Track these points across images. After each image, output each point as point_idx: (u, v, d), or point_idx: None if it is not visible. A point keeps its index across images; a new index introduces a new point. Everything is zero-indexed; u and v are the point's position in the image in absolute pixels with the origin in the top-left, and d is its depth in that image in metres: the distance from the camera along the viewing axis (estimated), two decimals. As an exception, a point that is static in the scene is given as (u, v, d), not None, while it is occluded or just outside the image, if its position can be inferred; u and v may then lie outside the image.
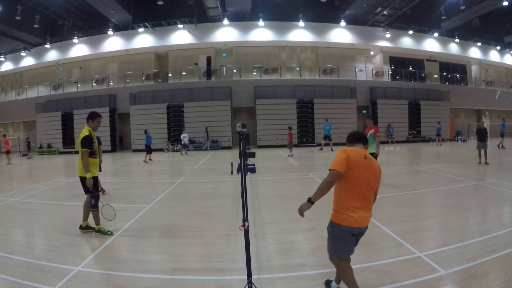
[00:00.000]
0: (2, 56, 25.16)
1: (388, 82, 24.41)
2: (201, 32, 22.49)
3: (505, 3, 19.75)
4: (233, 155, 14.41)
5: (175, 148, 19.96)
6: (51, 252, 3.84)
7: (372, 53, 25.42)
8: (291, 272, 3.21)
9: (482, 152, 10.51)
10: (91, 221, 4.59)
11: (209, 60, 23.71)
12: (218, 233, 4.44)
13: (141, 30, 22.43)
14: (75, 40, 23.23)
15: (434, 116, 22.50)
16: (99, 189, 6.14)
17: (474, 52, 27.12)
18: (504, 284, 2.83)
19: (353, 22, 23.17)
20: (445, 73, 26.58)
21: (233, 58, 23.76)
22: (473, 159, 11.13)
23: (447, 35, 25.41)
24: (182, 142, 17.90)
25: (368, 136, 7.41)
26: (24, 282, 3.06)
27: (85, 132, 4.37)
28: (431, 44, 25.21)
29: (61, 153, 22.14)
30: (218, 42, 22.86)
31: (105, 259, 3.69)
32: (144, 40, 22.87)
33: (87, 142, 4.29)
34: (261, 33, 22.61)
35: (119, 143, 23.46)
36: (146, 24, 21.75)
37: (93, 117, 4.45)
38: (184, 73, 23.72)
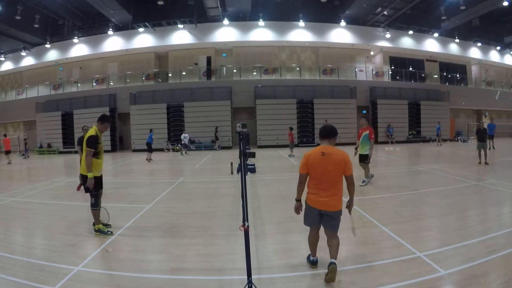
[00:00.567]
0: (2, 56, 25.16)
1: (388, 82, 24.41)
2: (201, 32, 22.49)
3: (505, 3, 19.76)
4: (233, 155, 14.41)
5: (175, 148, 19.96)
6: (51, 252, 3.84)
7: (372, 53, 25.42)
8: (291, 272, 3.21)
9: (482, 152, 10.51)
10: (102, 217, 4.71)
11: (209, 60, 23.71)
12: (218, 233, 4.44)
13: (141, 30, 22.44)
14: (75, 40, 23.24)
15: (434, 116, 22.50)
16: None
17: (474, 52, 27.12)
18: (504, 284, 2.84)
19: (353, 22, 23.18)
20: (445, 73, 26.58)
21: (233, 58, 23.76)
22: (473, 159, 11.13)
23: (447, 35, 25.41)
24: (182, 142, 17.85)
25: (362, 137, 7.41)
26: (24, 282, 3.06)
27: (92, 131, 4.39)
28: (431, 44, 25.21)
29: (61, 152, 22.13)
30: (218, 42, 22.87)
31: (105, 259, 3.69)
32: (144, 40, 22.87)
33: (93, 142, 4.30)
34: (261, 33, 22.61)
35: (119, 143, 23.47)
36: (146, 24, 21.76)
37: (102, 120, 4.48)
38: (184, 73, 23.73)
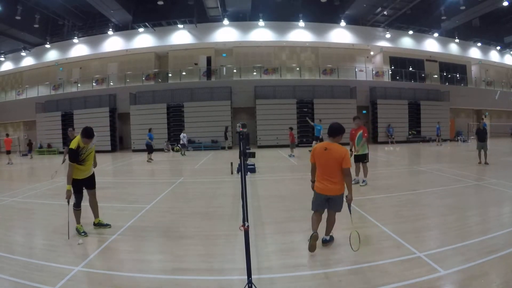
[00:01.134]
0: (2, 56, 25.16)
1: (388, 82, 24.41)
2: (201, 32, 22.49)
3: (505, 3, 19.74)
4: (233, 155, 14.41)
5: (175, 148, 19.97)
6: (51, 252, 3.84)
7: (372, 53, 25.42)
8: (291, 272, 3.21)
9: (482, 152, 10.51)
10: (102, 217, 4.79)
11: (209, 60, 23.70)
12: (218, 233, 4.44)
13: (141, 30, 22.43)
14: (75, 40, 23.24)
15: (434, 116, 22.50)
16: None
17: (474, 52, 27.11)
18: (504, 284, 2.84)
19: (353, 22, 23.18)
20: (445, 73, 26.58)
21: (233, 58, 23.76)
22: (473, 159, 11.13)
23: (447, 35, 25.40)
24: (181, 142, 17.76)
25: (357, 137, 7.31)
26: (24, 282, 3.06)
27: (74, 143, 4.28)
28: (431, 44, 25.21)
29: (61, 153, 22.10)
30: (218, 42, 22.86)
31: (105, 259, 3.69)
32: (144, 40, 22.87)
33: (73, 155, 4.26)
34: (261, 33, 22.61)
35: (119, 143, 23.47)
36: (146, 24, 21.75)
37: (82, 134, 4.28)
38: (184, 73, 23.72)
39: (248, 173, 9.27)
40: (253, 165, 10.20)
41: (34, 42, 23.76)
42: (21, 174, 12.64)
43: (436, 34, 24.59)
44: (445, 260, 3.32)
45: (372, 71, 24.63)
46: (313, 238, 3.51)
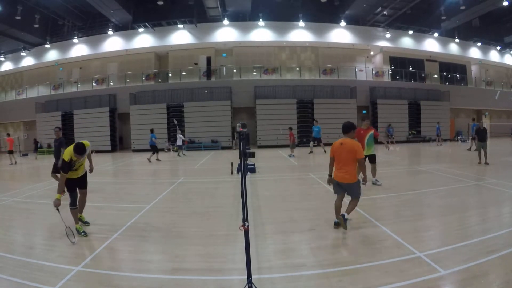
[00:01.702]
0: (2, 56, 25.16)
1: (388, 82, 24.41)
2: (201, 32, 22.49)
3: (505, 3, 19.75)
4: (233, 155, 14.41)
5: (175, 148, 19.97)
6: (51, 252, 3.84)
7: (372, 53, 25.42)
8: (291, 272, 3.21)
9: (482, 152, 10.51)
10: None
11: (209, 60, 23.71)
12: (218, 233, 4.44)
13: (141, 30, 22.43)
14: (75, 40, 23.24)
15: (434, 116, 22.50)
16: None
17: (474, 52, 27.12)
18: (504, 284, 2.84)
19: (353, 22, 23.18)
20: (445, 73, 26.58)
21: (233, 58, 23.76)
22: (473, 159, 11.13)
23: (447, 35, 25.41)
24: (178, 143, 17.28)
25: (367, 138, 7.25)
26: (24, 282, 3.06)
27: (66, 155, 4.34)
28: (431, 44, 25.21)
29: (61, 153, 22.12)
30: (218, 42, 22.86)
31: (105, 259, 3.69)
32: (144, 40, 22.87)
33: (65, 167, 4.36)
34: (261, 33, 22.61)
35: (119, 143, 23.47)
36: (146, 24, 21.75)
37: (74, 150, 4.30)
38: (184, 73, 23.72)
39: (248, 173, 9.27)
40: (253, 165, 10.20)
41: (34, 42, 23.76)
42: (21, 174, 12.64)
43: (436, 34, 24.59)
44: (445, 260, 3.32)
45: (372, 71, 24.63)
46: (337, 224, 4.39)
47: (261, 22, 22.04)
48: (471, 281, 2.88)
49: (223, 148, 20.67)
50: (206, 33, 22.60)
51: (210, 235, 4.39)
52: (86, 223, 4.84)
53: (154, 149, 14.69)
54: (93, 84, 24.21)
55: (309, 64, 24.37)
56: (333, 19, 22.83)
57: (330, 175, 4.48)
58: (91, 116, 21.69)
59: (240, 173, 6.39)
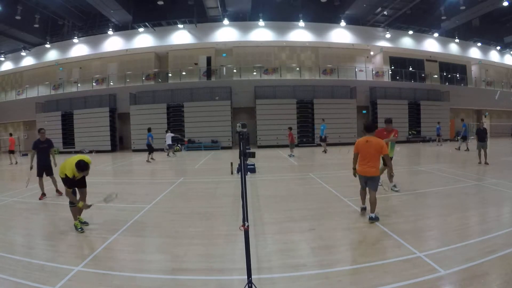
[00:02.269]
0: (2, 56, 25.16)
1: (388, 82, 24.41)
2: (201, 32, 22.49)
3: (505, 3, 19.74)
4: (233, 155, 14.41)
5: (175, 148, 19.96)
6: (51, 252, 3.84)
7: (372, 53, 25.42)
8: (291, 272, 3.21)
9: (482, 152, 10.51)
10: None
11: (209, 60, 23.70)
12: (218, 233, 4.45)
13: (141, 30, 22.43)
14: (75, 40, 23.23)
15: (434, 116, 22.50)
16: (42, 193, 6.80)
17: (474, 52, 27.12)
18: (504, 284, 2.84)
19: (353, 22, 23.17)
20: (445, 73, 26.58)
21: (233, 58, 23.75)
22: (473, 159, 11.13)
23: (447, 35, 25.40)
24: (167, 142, 16.66)
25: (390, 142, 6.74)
26: (24, 282, 3.06)
27: (68, 171, 4.51)
28: (431, 44, 25.21)
29: (61, 152, 22.09)
30: (218, 42, 22.86)
31: (105, 259, 3.69)
32: (144, 40, 22.86)
33: (68, 183, 4.59)
34: (261, 33, 22.61)
35: (119, 143, 23.47)
36: (146, 24, 21.75)
37: (77, 167, 4.44)
38: (184, 73, 23.72)
39: (248, 173, 9.27)
40: (253, 165, 10.20)
41: (34, 42, 23.76)
42: (21, 174, 12.63)
43: (436, 34, 24.59)
44: (445, 260, 3.32)
45: (372, 71, 24.63)
46: (362, 210, 4.99)
47: (261, 22, 22.03)
48: (471, 281, 2.89)
49: (223, 148, 20.66)
50: (206, 33, 22.60)
51: (210, 235, 4.39)
52: (85, 223, 4.85)
53: (150, 148, 14.70)
54: (93, 84, 24.20)
55: (309, 64, 24.37)
56: (333, 19, 22.83)
57: (354, 168, 4.99)
58: (91, 116, 21.69)
59: (240, 173, 6.39)
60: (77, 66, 24.82)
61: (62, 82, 24.76)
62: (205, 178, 9.59)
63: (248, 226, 2.65)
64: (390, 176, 5.20)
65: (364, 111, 23.58)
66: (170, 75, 23.87)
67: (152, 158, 14.60)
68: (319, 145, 16.31)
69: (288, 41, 23.11)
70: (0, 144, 25.36)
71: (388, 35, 23.72)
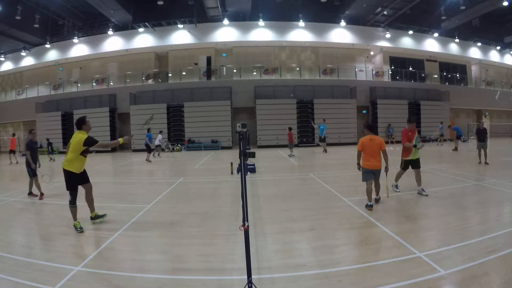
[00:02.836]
0: (2, 56, 25.17)
1: (388, 82, 24.42)
2: (201, 32, 22.50)
3: (505, 3, 19.75)
4: (233, 155, 14.41)
5: (175, 148, 19.98)
6: (51, 252, 3.84)
7: (372, 53, 25.42)
8: (291, 272, 3.21)
9: (482, 152, 10.50)
10: (98, 210, 5.05)
11: (209, 60, 23.71)
12: (218, 233, 4.44)
13: (141, 30, 22.44)
14: (75, 40, 23.24)
15: (434, 116, 22.49)
16: (31, 193, 6.87)
17: (474, 52, 27.12)
18: (504, 284, 2.83)
19: (353, 22, 23.18)
20: (445, 73, 26.59)
21: (233, 58, 23.76)
22: (473, 159, 11.13)
23: (447, 35, 25.41)
24: (156, 143, 16.42)
25: (415, 140, 6.42)
26: (24, 282, 3.06)
27: (85, 134, 4.79)
28: (431, 44, 25.22)
29: (61, 152, 22.12)
30: (218, 42, 22.87)
31: (105, 259, 3.68)
32: (144, 40, 22.87)
33: (92, 139, 4.77)
34: (261, 33, 22.61)
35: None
36: (146, 24, 21.76)
37: (83, 122, 4.85)
38: (184, 73, 23.73)
39: (248, 173, 9.27)
40: (253, 165, 10.21)
41: (34, 42, 23.76)
42: (21, 174, 12.62)
43: (436, 34, 24.59)
44: (445, 260, 3.32)
45: (372, 71, 24.64)
46: (370, 207, 5.36)
47: (261, 22, 22.04)
48: (471, 281, 2.88)
49: (223, 148, 20.66)
50: (206, 33, 22.60)
51: (210, 235, 4.39)
52: (104, 215, 5.05)
53: (148, 148, 14.72)
54: (93, 84, 24.22)
55: (309, 64, 24.38)
56: (333, 19, 22.83)
57: (358, 164, 5.68)
58: (91, 116, 21.46)
59: (240, 173, 6.39)
60: (77, 66, 24.84)
61: (62, 82, 24.77)
62: (205, 178, 9.59)
63: (248, 226, 2.65)
64: (386, 170, 5.46)
65: (364, 111, 23.58)
66: (170, 75, 23.89)
67: (153, 156, 14.63)
68: (319, 145, 16.31)
69: (288, 41, 23.11)
70: (0, 144, 25.36)
71: (388, 35, 23.72)
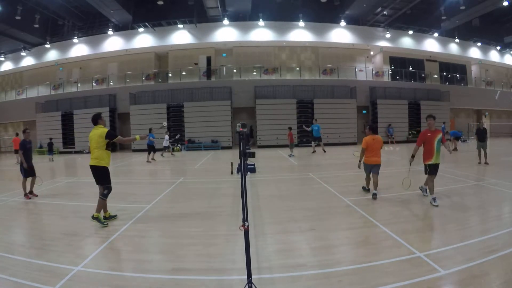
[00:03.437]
0: (2, 56, 25.18)
1: (388, 82, 24.42)
2: (201, 32, 22.50)
3: (505, 3, 19.76)
4: (233, 155, 14.41)
5: (175, 148, 19.96)
6: (51, 252, 3.84)
7: (372, 53, 25.43)
8: (291, 272, 3.21)
9: (482, 152, 10.50)
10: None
11: (209, 60, 23.71)
12: (218, 233, 4.44)
13: (141, 30, 22.44)
14: (75, 40, 23.25)
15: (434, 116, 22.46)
16: (31, 193, 6.93)
17: (474, 52, 27.13)
18: (504, 284, 2.84)
19: (353, 22, 23.19)
20: (445, 73, 26.59)
21: (233, 58, 23.76)
22: (473, 159, 11.13)
23: (447, 35, 25.42)
24: (164, 144, 16.68)
25: (436, 142, 5.83)
26: (24, 282, 3.06)
27: (105, 129, 5.10)
28: (431, 44, 25.22)
29: (61, 153, 22.14)
30: (218, 42, 22.87)
31: (105, 259, 3.69)
32: (144, 40, 22.88)
33: (114, 132, 4.95)
34: (261, 33, 22.61)
35: (119, 143, 23.46)
36: (146, 24, 21.76)
37: (99, 117, 5.19)
38: (184, 73, 23.73)
39: (248, 173, 9.27)
40: (253, 165, 10.21)
41: (34, 42, 23.77)
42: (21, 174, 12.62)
43: (436, 34, 24.60)
44: (445, 260, 3.32)
45: (372, 71, 24.64)
46: (366, 190, 6.62)
47: (261, 22, 22.04)
48: (471, 281, 2.88)
49: (223, 148, 20.67)
50: (206, 33, 22.60)
51: (210, 235, 4.39)
52: (114, 217, 5.17)
53: (150, 148, 14.73)
54: (93, 84, 24.22)
55: (309, 64, 24.38)
56: (333, 19, 22.83)
57: (360, 161, 6.51)
58: (91, 116, 21.64)
59: (240, 173, 6.39)
60: (77, 66, 24.84)
61: (62, 82, 24.78)
62: (205, 178, 9.59)
63: (248, 226, 2.65)
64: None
65: (364, 111, 23.58)
66: (170, 75, 23.89)
67: (153, 159, 14.63)
68: (319, 145, 16.30)
69: (288, 41, 23.11)
70: (0, 144, 25.36)
71: (388, 35, 23.73)
